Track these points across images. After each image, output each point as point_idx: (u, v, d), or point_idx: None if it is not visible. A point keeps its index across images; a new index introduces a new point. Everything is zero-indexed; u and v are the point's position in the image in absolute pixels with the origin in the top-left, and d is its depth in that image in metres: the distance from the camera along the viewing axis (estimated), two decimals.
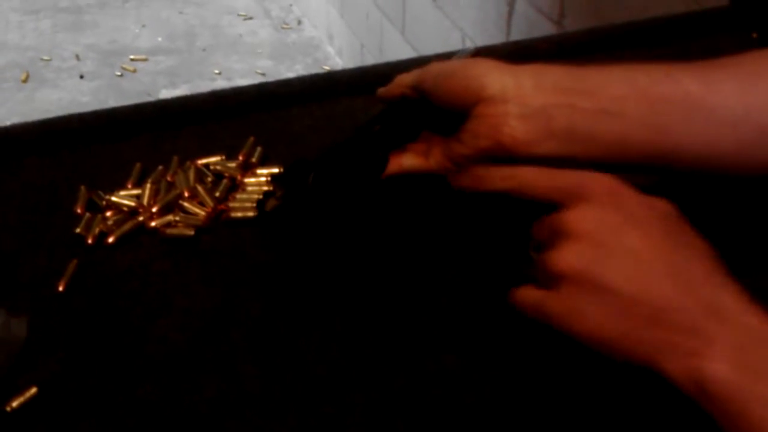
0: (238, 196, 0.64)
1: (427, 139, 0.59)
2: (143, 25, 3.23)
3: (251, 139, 0.71)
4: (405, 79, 0.58)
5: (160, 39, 3.15)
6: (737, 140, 0.50)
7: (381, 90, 0.62)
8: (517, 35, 1.70)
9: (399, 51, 2.38)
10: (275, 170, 0.68)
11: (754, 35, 0.89)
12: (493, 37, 1.80)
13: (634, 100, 0.49)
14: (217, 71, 2.95)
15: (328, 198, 0.59)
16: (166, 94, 2.80)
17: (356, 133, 0.61)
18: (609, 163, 0.50)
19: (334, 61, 3.05)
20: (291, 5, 3.46)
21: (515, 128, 0.50)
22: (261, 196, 0.64)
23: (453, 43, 2.00)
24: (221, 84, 2.87)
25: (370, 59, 2.68)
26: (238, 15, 3.35)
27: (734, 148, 0.50)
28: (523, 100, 0.50)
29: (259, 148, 0.70)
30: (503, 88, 0.51)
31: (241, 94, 0.80)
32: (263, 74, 2.95)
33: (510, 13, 1.70)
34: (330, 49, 3.11)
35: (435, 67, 0.56)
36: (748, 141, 0.50)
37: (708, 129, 0.50)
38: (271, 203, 0.60)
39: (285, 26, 3.30)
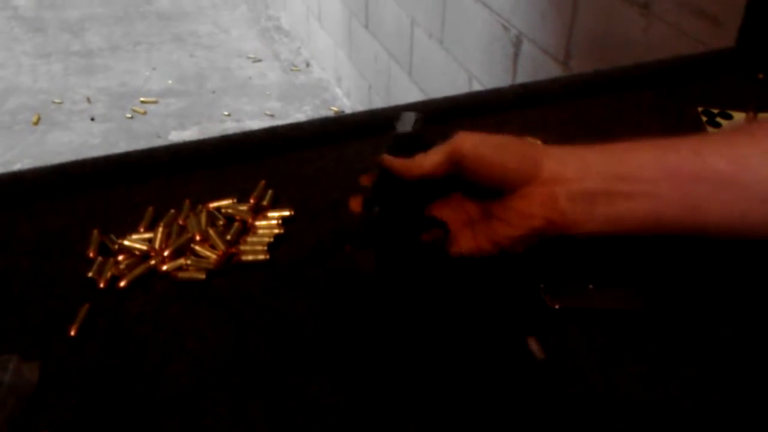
0: (249, 239, 0.65)
1: (459, 203, 0.58)
2: (153, 68, 3.28)
3: (262, 182, 0.71)
4: (434, 159, 0.55)
5: (170, 81, 3.19)
6: (766, 213, 0.52)
7: (407, 173, 0.56)
8: (523, 76, 1.72)
9: (406, 92, 2.41)
10: (286, 213, 0.68)
11: (760, 76, 0.90)
12: (500, 78, 1.82)
13: (667, 182, 0.52)
14: (226, 113, 2.98)
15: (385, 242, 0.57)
16: (175, 135, 2.83)
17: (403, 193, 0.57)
18: (644, 235, 0.54)
19: (342, 103, 3.08)
20: (299, 48, 3.51)
21: (565, 210, 0.53)
22: (272, 239, 0.65)
23: (460, 84, 2.02)
24: (231, 125, 2.90)
25: (377, 100, 2.70)
26: (248, 58, 3.40)
27: (764, 219, 0.52)
28: (570, 185, 0.53)
29: (270, 191, 0.70)
30: (553, 171, 0.53)
31: (253, 138, 0.80)
32: (272, 115, 2.98)
33: (516, 55, 1.72)
34: (338, 91, 3.14)
35: (473, 142, 0.55)
36: None
37: (737, 204, 0.52)
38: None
39: (294, 68, 3.34)
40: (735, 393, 0.52)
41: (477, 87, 1.95)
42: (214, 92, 3.12)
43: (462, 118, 0.83)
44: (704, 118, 0.82)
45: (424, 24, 2.18)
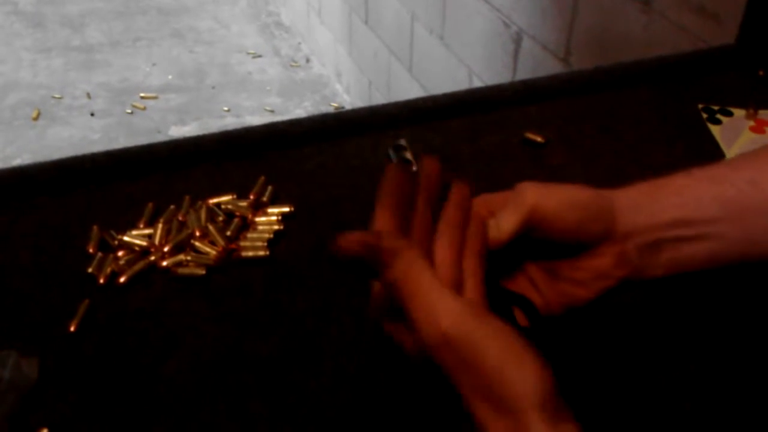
0: (249, 235, 0.65)
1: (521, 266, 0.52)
2: (153, 64, 3.28)
3: (262, 178, 0.71)
4: (511, 225, 0.47)
5: (170, 77, 3.19)
6: None
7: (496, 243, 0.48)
8: (523, 73, 1.71)
9: (407, 88, 2.41)
10: (286, 209, 0.68)
11: (761, 73, 0.90)
12: (500, 74, 1.81)
13: (728, 221, 0.50)
14: (226, 108, 2.98)
15: None
16: (175, 131, 2.83)
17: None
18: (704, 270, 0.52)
19: (342, 98, 3.08)
20: (300, 43, 3.50)
21: (637, 265, 0.50)
22: (271, 236, 0.65)
23: (460, 80, 2.02)
24: (230, 121, 2.90)
25: (377, 96, 2.70)
26: (248, 53, 3.40)
27: None
28: (639, 239, 0.49)
29: (269, 188, 0.70)
30: (626, 226, 0.49)
31: (253, 134, 0.80)
32: (272, 111, 2.98)
33: (516, 51, 1.72)
34: (338, 87, 3.14)
35: (549, 198, 0.48)
36: None
37: None
38: None
39: (293, 64, 3.34)
40: (735, 392, 0.52)
41: (477, 83, 1.94)
42: (213, 88, 3.12)
43: (462, 115, 0.83)
44: (705, 115, 0.82)
45: (424, 20, 2.18)
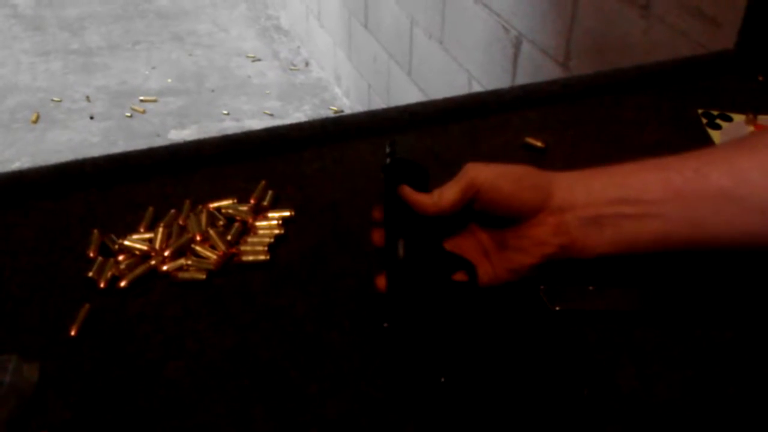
0: (250, 239, 0.65)
1: (471, 234, 0.59)
2: (153, 67, 3.28)
3: (263, 182, 0.71)
4: (451, 195, 0.55)
5: (169, 80, 3.18)
6: (767, 224, 0.53)
7: (423, 210, 0.56)
8: (522, 77, 1.71)
9: (406, 92, 2.41)
10: (286, 213, 0.68)
11: (760, 78, 0.90)
12: (499, 78, 1.82)
13: (672, 202, 0.54)
14: (225, 112, 2.98)
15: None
16: (174, 134, 2.83)
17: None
18: (652, 252, 0.56)
19: (342, 102, 3.08)
20: (299, 47, 3.51)
21: (576, 236, 0.55)
22: (272, 240, 0.65)
23: (459, 85, 2.02)
24: (230, 124, 2.90)
25: (377, 100, 2.70)
26: (247, 57, 3.40)
27: (765, 230, 0.54)
28: (579, 211, 0.55)
29: (270, 192, 0.70)
30: (563, 199, 0.55)
31: (253, 138, 0.80)
32: (271, 115, 2.98)
33: (516, 55, 1.72)
34: (337, 90, 3.14)
35: (488, 175, 0.55)
36: None
37: (739, 218, 0.54)
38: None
39: (293, 68, 3.34)
40: (733, 393, 0.52)
41: (477, 87, 1.95)
42: (213, 91, 3.12)
43: (461, 119, 0.83)
44: (704, 120, 0.82)
45: (423, 24, 2.18)
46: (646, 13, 1.27)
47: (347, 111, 3.00)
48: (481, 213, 0.57)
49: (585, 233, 0.55)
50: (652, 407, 0.51)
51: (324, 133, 0.82)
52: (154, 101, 3.03)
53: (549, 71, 1.58)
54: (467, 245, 0.58)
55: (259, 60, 3.39)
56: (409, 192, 0.56)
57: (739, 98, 0.87)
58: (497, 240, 0.57)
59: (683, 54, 1.17)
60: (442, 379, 0.50)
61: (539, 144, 0.78)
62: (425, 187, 0.57)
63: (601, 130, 0.82)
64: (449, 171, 0.57)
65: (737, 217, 0.54)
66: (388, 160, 0.60)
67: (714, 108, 0.84)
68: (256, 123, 2.90)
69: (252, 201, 0.69)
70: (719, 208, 0.54)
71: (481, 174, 0.55)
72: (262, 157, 0.77)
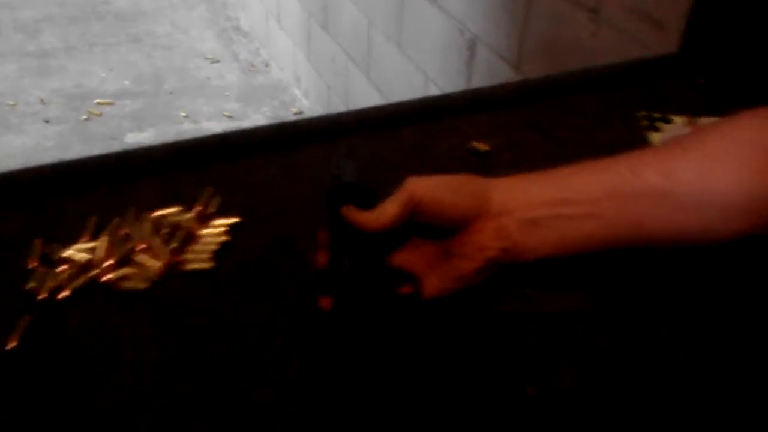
0: (194, 247, 0.64)
1: (416, 247, 0.59)
2: (110, 70, 3.24)
3: (209, 189, 0.71)
4: (391, 211, 0.55)
5: (126, 83, 3.15)
6: (702, 221, 0.55)
7: (366, 227, 0.56)
8: (478, 79, 1.73)
9: (365, 93, 2.41)
10: (233, 220, 0.68)
11: (702, 80, 0.92)
12: (455, 81, 1.83)
13: (609, 201, 0.56)
14: (183, 114, 2.96)
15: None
16: (131, 138, 2.80)
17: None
18: (594, 252, 0.58)
19: (301, 103, 3.07)
20: (258, 48, 3.49)
21: (516, 239, 0.56)
22: (218, 247, 0.65)
23: (416, 86, 2.03)
24: (188, 127, 2.88)
25: (336, 101, 2.70)
26: (206, 58, 3.37)
27: (701, 228, 0.56)
28: (518, 214, 0.56)
29: (216, 199, 0.70)
30: (501, 203, 0.56)
31: (202, 145, 0.80)
32: (230, 117, 2.96)
33: (471, 58, 1.73)
34: (297, 92, 3.13)
35: (426, 187, 0.56)
36: (712, 220, 0.55)
37: (675, 215, 0.55)
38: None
39: (252, 69, 3.33)
40: (678, 390, 0.54)
41: (434, 89, 1.96)
42: (171, 93, 3.09)
43: (412, 124, 0.84)
44: (645, 123, 0.84)
45: (381, 26, 2.19)
46: (595, 16, 1.29)
47: (307, 113, 2.99)
48: (424, 225, 0.57)
49: (525, 235, 0.56)
50: (592, 407, 0.52)
51: (274, 139, 0.81)
52: (111, 104, 3.00)
53: (503, 73, 1.60)
54: (413, 258, 0.59)
55: (218, 61, 3.36)
56: (350, 211, 0.56)
57: (680, 100, 0.89)
58: (441, 250, 0.58)
59: (631, 56, 1.19)
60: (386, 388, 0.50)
61: (485, 147, 0.79)
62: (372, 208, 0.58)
63: (546, 133, 0.83)
64: (398, 176, 0.57)
65: (671, 214, 0.55)
66: (333, 184, 0.60)
67: (656, 110, 0.86)
68: (215, 125, 2.88)
69: (198, 208, 0.69)
70: (654, 206, 0.55)
71: (420, 187, 0.56)
72: (211, 163, 0.77)
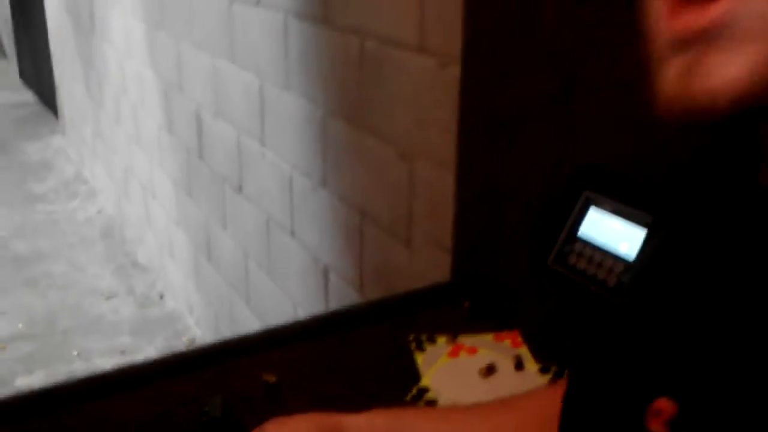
0: None
1: None
2: (3, 313, 3.29)
3: None
4: None
5: (20, 326, 3.20)
6: None
7: None
8: (334, 302, 1.91)
9: (245, 319, 2.55)
10: None
11: (466, 304, 1.11)
12: (317, 304, 2.00)
13: None
14: (75, 352, 3.01)
15: None
16: (21, 381, 2.81)
17: None
18: None
19: (194, 332, 3.18)
20: (155, 281, 3.63)
21: None
22: None
23: (286, 311, 2.19)
24: (79, 366, 2.92)
25: (223, 328, 2.83)
26: (101, 295, 3.48)
27: None
28: None
29: None
30: None
31: (64, 388, 0.90)
32: (123, 352, 3.03)
33: (326, 284, 1.92)
34: (190, 320, 3.25)
35: (290, 428, 0.66)
36: None
37: None
38: None
39: (147, 301, 3.44)
40: None
41: (301, 313, 2.12)
42: (64, 332, 3.16)
43: (214, 364, 0.98)
44: (413, 345, 1.00)
45: (256, 257, 2.38)
46: (408, 247, 1.50)
47: (198, 340, 3.09)
48: None
49: None
50: None
51: (139, 375, 0.93)
52: (3, 348, 3.03)
53: (350, 296, 1.78)
54: None
55: (113, 297, 3.47)
56: None
57: (449, 322, 1.06)
58: None
59: (436, 279, 1.38)
60: None
61: (272, 379, 0.93)
62: None
63: (330, 365, 0.98)
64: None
65: None
66: (203, 420, 0.74)
67: (424, 332, 1.03)
68: (107, 361, 2.93)
69: None
70: None
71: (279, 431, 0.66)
72: (73, 405, 0.87)
